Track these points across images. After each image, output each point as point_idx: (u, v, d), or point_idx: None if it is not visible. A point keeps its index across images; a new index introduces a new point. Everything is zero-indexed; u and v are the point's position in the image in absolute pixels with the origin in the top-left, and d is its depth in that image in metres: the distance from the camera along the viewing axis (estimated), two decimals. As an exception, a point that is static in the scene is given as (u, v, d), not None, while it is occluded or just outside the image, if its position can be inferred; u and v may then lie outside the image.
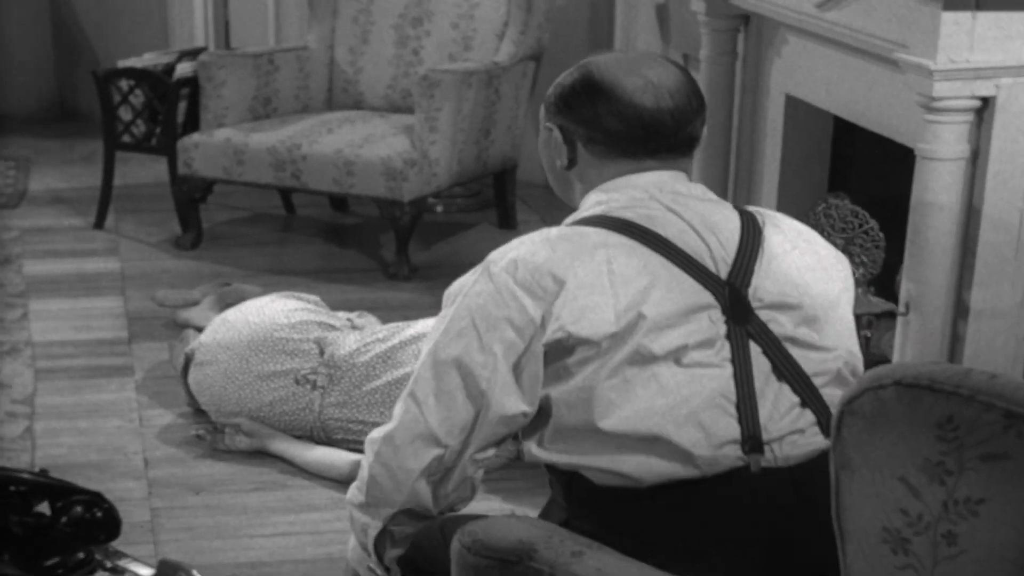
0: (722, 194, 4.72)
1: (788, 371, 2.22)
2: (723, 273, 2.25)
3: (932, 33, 3.30)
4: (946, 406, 1.70)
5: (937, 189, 3.43)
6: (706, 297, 2.21)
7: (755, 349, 2.22)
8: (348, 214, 6.04)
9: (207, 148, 5.31)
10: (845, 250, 3.57)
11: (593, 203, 2.34)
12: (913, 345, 3.54)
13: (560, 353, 2.19)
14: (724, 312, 2.21)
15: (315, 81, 5.76)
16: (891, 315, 3.67)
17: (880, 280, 3.73)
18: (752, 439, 2.17)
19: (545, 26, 5.64)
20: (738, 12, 4.51)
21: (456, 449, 2.25)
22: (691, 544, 2.17)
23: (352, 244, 5.69)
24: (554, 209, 6.13)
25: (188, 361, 3.98)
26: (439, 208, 6.06)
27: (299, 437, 3.84)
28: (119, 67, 5.66)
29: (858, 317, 3.62)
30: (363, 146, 5.18)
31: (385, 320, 4.16)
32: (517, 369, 2.20)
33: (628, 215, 2.27)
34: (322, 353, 3.82)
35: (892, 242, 3.65)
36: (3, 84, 7.52)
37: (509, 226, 5.86)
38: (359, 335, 3.87)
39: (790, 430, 2.20)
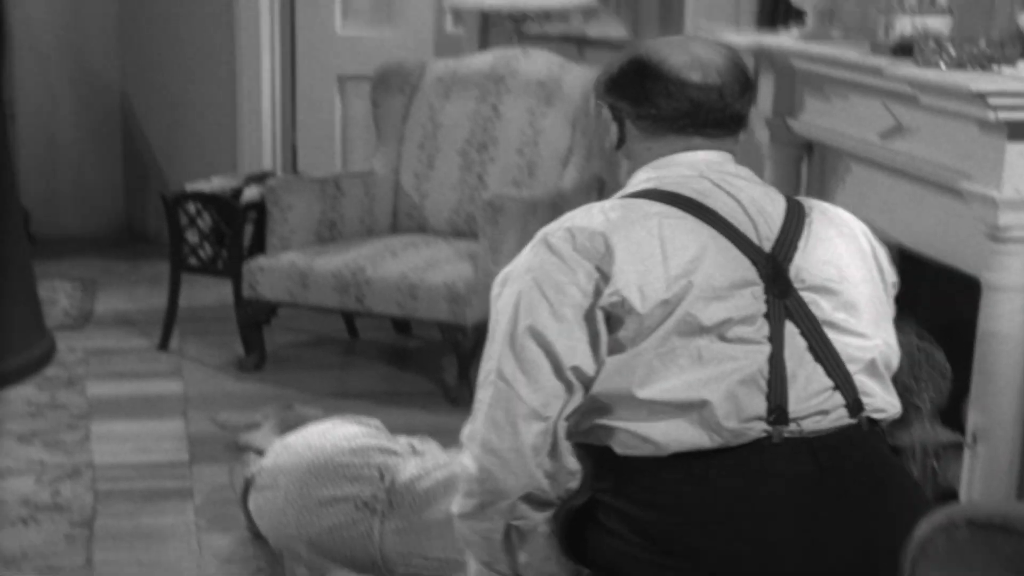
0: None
1: (824, 353, 2.26)
2: (768, 247, 2.29)
3: (997, 163, 3.29)
4: (1020, 546, 1.67)
5: (1003, 319, 3.40)
6: (751, 272, 2.25)
7: (792, 329, 2.25)
8: (411, 337, 6.05)
9: (272, 271, 5.35)
10: (911, 380, 3.53)
11: (643, 179, 2.38)
12: (981, 478, 3.48)
13: (613, 322, 2.22)
14: (766, 289, 2.25)
15: (380, 205, 5.80)
16: (958, 446, 3.62)
17: (947, 410, 3.68)
18: (778, 411, 2.21)
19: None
20: (802, 141, 4.52)
21: (555, 420, 2.25)
22: (712, 512, 2.20)
23: (414, 368, 5.69)
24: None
25: (248, 485, 3.97)
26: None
27: (361, 572, 3.80)
28: (187, 191, 5.72)
29: (924, 447, 3.57)
30: (427, 270, 5.20)
31: (446, 445, 4.13)
32: (587, 331, 2.22)
33: (679, 189, 2.30)
34: (383, 478, 3.80)
35: (958, 371, 3.61)
36: (73, 205, 7.63)
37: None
38: (420, 460, 3.85)
39: (816, 410, 2.24)
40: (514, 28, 6.07)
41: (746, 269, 2.26)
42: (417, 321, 5.47)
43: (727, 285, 2.23)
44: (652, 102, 2.36)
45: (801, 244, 2.32)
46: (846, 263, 2.35)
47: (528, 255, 2.30)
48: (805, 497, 2.22)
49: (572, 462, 2.31)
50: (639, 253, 2.22)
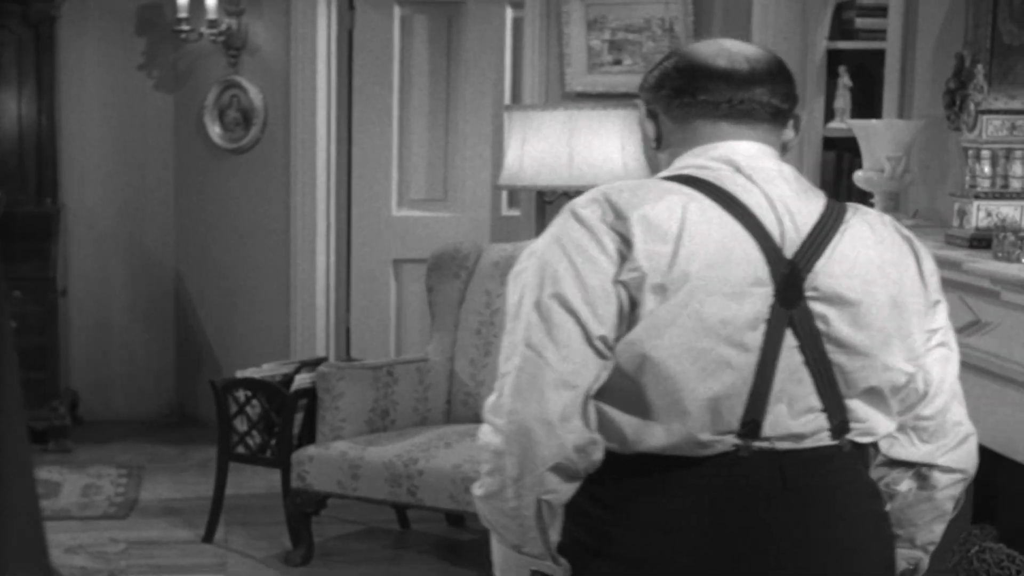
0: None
1: (819, 371, 2.18)
2: (788, 253, 2.19)
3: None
4: None
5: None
6: (764, 272, 2.16)
7: (791, 341, 2.17)
8: (464, 530, 5.85)
9: (322, 461, 5.19)
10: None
11: (679, 166, 2.31)
12: None
13: (633, 298, 2.14)
14: (775, 293, 2.16)
15: (435, 393, 5.65)
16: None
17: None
18: (751, 424, 2.15)
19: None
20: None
21: (584, 389, 2.13)
22: (670, 518, 2.17)
23: (468, 563, 5.48)
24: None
25: None
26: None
27: None
28: (237, 377, 5.60)
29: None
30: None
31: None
32: (615, 301, 2.14)
33: (708, 176, 2.23)
34: None
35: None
36: (123, 388, 7.56)
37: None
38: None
39: (795, 432, 2.18)
40: (572, 212, 5.96)
41: (761, 270, 2.17)
42: (471, 514, 5.28)
43: (739, 283, 2.15)
44: (683, 91, 2.32)
45: (827, 251, 2.21)
46: (873, 278, 2.22)
47: (555, 227, 2.23)
48: (765, 515, 2.18)
49: (597, 434, 2.17)
50: (657, 231, 2.15)
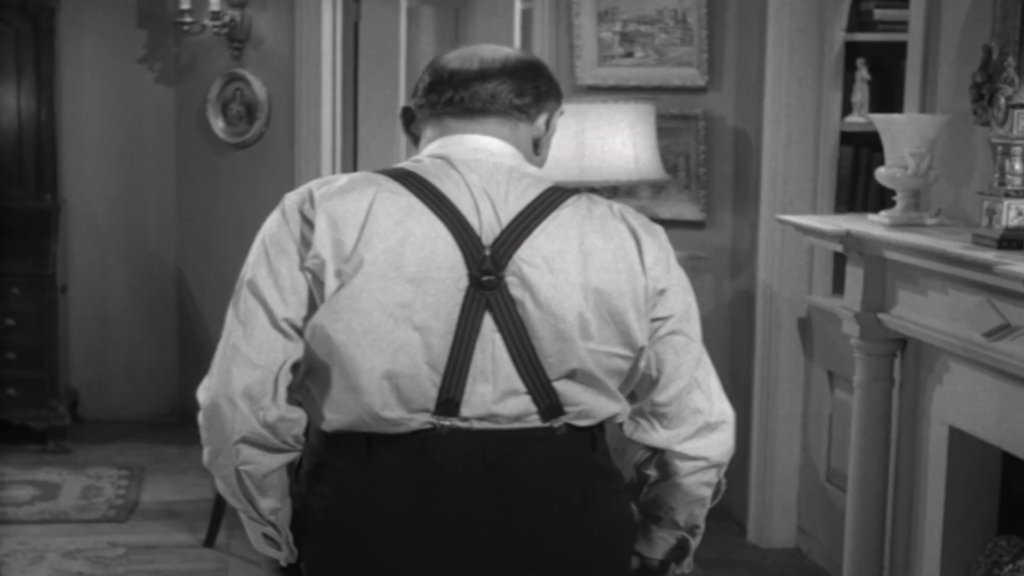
0: (880, 534, 4.36)
1: (520, 355, 2.25)
2: (487, 240, 2.26)
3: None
4: None
5: None
6: (459, 259, 2.25)
7: (490, 325, 2.24)
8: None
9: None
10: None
11: (403, 162, 2.43)
12: None
13: (318, 284, 2.26)
14: (470, 279, 2.24)
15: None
16: None
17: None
18: (448, 404, 2.23)
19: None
20: (894, 336, 4.20)
21: (272, 369, 2.27)
22: (372, 494, 2.27)
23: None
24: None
25: None
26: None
27: None
28: (239, 377, 5.45)
29: None
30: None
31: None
32: (304, 287, 2.27)
33: (418, 170, 2.33)
34: None
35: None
36: (124, 386, 7.43)
37: (642, 551, 5.48)
38: None
39: (498, 412, 2.25)
40: (583, 209, 5.82)
41: (455, 257, 2.26)
42: None
43: (426, 268, 2.24)
44: (422, 93, 2.44)
45: (529, 239, 2.28)
46: (573, 265, 2.28)
47: (270, 216, 2.39)
48: (466, 491, 2.27)
49: (294, 411, 2.31)
50: (341, 220, 2.26)
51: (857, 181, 5.35)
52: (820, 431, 5.39)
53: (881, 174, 4.21)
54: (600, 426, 2.37)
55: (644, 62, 5.98)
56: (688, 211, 5.96)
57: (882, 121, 4.22)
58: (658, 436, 2.41)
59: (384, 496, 2.27)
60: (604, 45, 6.04)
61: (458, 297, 2.24)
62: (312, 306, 2.28)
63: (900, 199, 4.17)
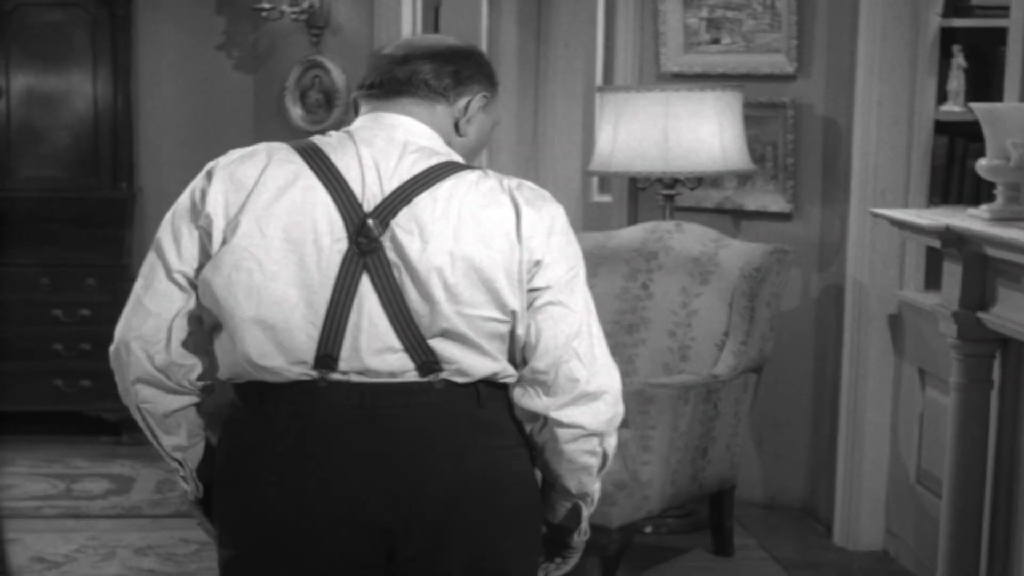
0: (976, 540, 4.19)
1: (395, 315, 2.42)
2: (368, 207, 2.44)
3: None
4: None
5: None
6: (338, 224, 2.43)
7: (367, 286, 2.42)
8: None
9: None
10: None
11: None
12: None
13: (208, 242, 2.47)
14: (349, 242, 2.42)
15: (519, 390, 5.39)
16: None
17: None
18: (326, 358, 2.42)
19: (769, 336, 5.20)
20: (994, 337, 4.02)
21: (166, 317, 2.50)
22: (260, 441, 2.48)
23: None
24: (772, 532, 5.62)
25: None
26: (647, 529, 5.55)
27: None
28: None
29: None
30: (569, 465, 4.75)
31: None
32: (198, 244, 2.49)
33: (320, 142, 2.53)
34: None
35: None
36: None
37: (725, 552, 5.34)
38: None
39: (375, 367, 2.42)
40: (665, 200, 5.68)
41: (336, 221, 2.43)
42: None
43: (307, 230, 2.42)
44: (360, 81, 2.64)
45: (409, 206, 2.44)
46: (455, 233, 2.43)
47: None
48: (345, 440, 2.44)
49: (188, 358, 2.53)
50: (234, 184, 2.47)
51: (952, 172, 5.18)
52: (911, 431, 5.21)
53: (982, 166, 4.03)
54: (495, 385, 2.52)
55: (731, 49, 5.84)
56: (775, 202, 5.82)
57: (983, 111, 4.04)
58: (539, 402, 2.51)
59: (272, 444, 2.47)
60: (690, 31, 5.90)
61: (336, 259, 2.43)
62: (204, 262, 2.49)
63: (1000, 192, 3.99)
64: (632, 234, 5.52)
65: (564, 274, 2.49)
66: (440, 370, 2.45)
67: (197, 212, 2.49)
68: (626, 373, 5.19)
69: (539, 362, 2.48)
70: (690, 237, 5.39)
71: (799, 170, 5.78)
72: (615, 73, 6.33)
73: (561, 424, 2.52)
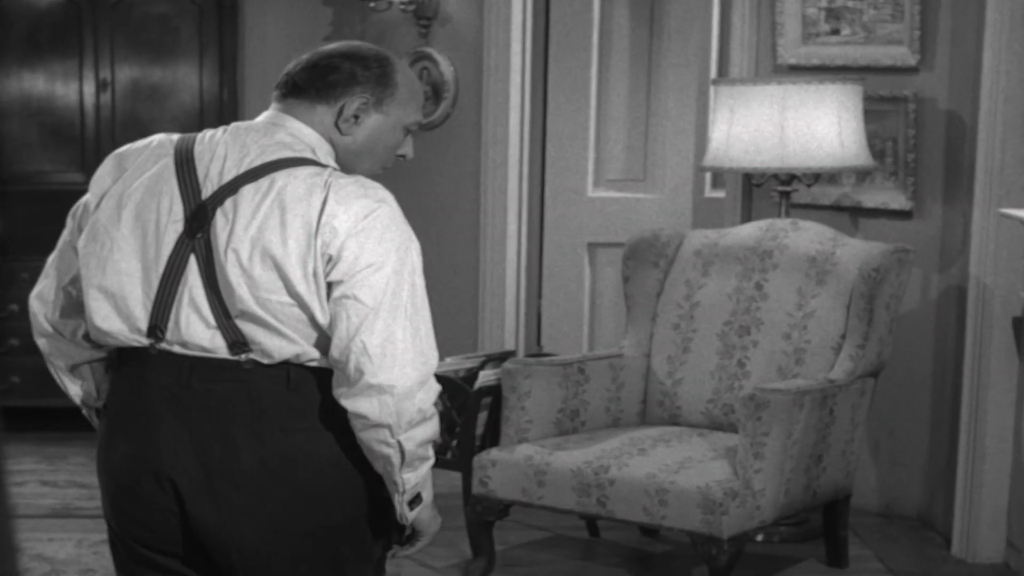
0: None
1: (211, 295, 2.63)
2: (206, 194, 2.66)
3: None
4: None
5: None
6: (179, 207, 2.67)
7: (194, 266, 2.65)
8: (658, 540, 5.44)
9: (505, 466, 4.81)
10: None
11: None
12: None
13: (86, 217, 2.78)
14: (185, 222, 2.65)
15: (628, 392, 5.24)
16: None
17: None
18: (155, 329, 2.68)
19: (887, 339, 5.01)
20: None
21: (56, 279, 2.83)
22: (110, 403, 2.81)
23: (661, 577, 5.09)
24: (888, 543, 5.44)
25: None
26: (759, 537, 5.39)
27: None
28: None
29: None
30: (679, 472, 4.60)
31: None
32: (86, 215, 2.78)
33: (203, 132, 2.77)
34: None
35: None
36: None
37: (839, 564, 5.17)
38: None
39: (193, 342, 2.65)
40: (781, 196, 5.51)
41: (177, 205, 2.67)
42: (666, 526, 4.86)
43: (152, 212, 2.67)
44: None
45: (235, 196, 2.63)
46: (261, 223, 2.60)
47: None
48: (166, 406, 2.68)
49: (73, 316, 2.82)
50: (113, 168, 2.77)
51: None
52: (1037, 440, 5.01)
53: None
54: (310, 369, 2.66)
55: (851, 40, 5.66)
56: (894, 200, 5.64)
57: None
58: (337, 390, 2.64)
59: (115, 403, 2.78)
60: (809, 22, 5.73)
61: (171, 239, 2.66)
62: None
63: None
64: (746, 232, 5.35)
65: (361, 269, 2.60)
66: (249, 350, 2.64)
67: (91, 189, 2.78)
68: (737, 376, 5.08)
69: (334, 351, 2.62)
70: (806, 236, 5.21)
71: (920, 167, 5.59)
72: (730, 65, 6.17)
73: (349, 412, 2.64)
